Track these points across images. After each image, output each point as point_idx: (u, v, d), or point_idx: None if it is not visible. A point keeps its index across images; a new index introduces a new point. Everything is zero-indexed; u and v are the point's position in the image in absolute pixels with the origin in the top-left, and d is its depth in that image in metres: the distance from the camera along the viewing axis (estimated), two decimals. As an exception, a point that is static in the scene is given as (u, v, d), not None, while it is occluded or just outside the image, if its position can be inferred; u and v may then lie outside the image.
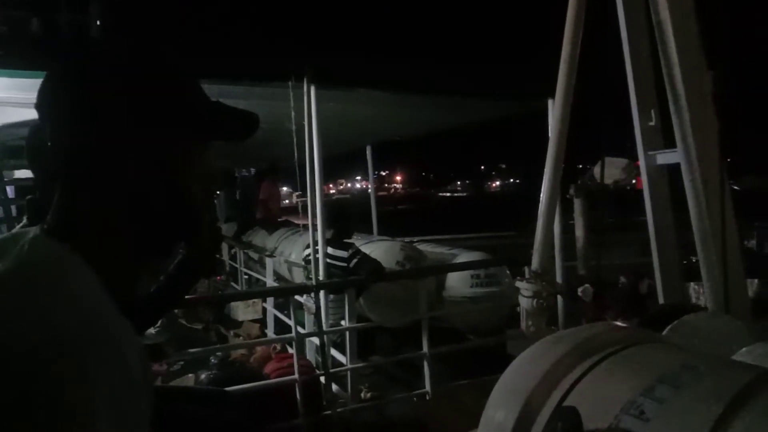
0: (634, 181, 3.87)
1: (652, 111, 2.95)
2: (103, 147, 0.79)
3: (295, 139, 4.06)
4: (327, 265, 4.28)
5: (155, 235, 0.86)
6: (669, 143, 2.84)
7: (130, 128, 0.80)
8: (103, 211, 0.80)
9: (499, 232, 10.09)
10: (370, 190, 9.53)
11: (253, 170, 11.28)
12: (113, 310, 0.71)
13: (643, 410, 0.91)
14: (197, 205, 0.89)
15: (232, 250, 9.20)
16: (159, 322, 5.11)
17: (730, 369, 1.09)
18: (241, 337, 6.41)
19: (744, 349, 1.42)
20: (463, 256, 6.12)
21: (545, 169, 3.39)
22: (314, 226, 4.17)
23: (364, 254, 4.95)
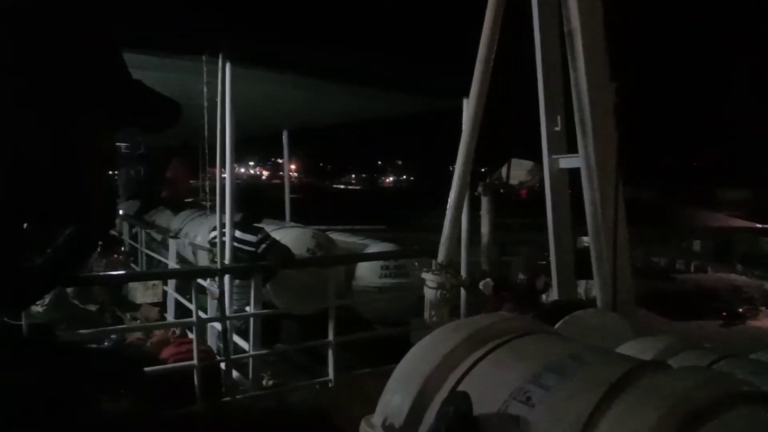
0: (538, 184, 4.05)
1: (559, 117, 3.10)
2: None
3: (206, 117, 3.91)
4: (234, 249, 4.17)
5: (36, 209, 0.80)
6: (571, 148, 3.00)
7: (20, 97, 0.73)
8: None
9: (371, 226, 10.41)
10: (280, 176, 9.46)
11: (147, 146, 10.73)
12: None
13: (530, 396, 0.96)
14: (88, 183, 0.83)
15: (134, 229, 8.74)
16: (46, 298, 4.79)
17: (612, 360, 1.17)
18: (138, 321, 6.11)
19: (627, 343, 1.54)
20: (374, 247, 6.18)
21: (456, 166, 3.49)
22: (222, 207, 4.05)
23: (274, 239, 4.86)
